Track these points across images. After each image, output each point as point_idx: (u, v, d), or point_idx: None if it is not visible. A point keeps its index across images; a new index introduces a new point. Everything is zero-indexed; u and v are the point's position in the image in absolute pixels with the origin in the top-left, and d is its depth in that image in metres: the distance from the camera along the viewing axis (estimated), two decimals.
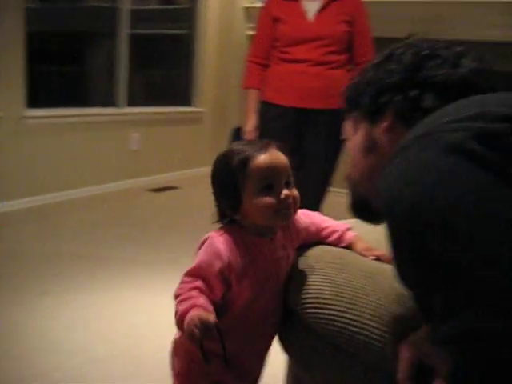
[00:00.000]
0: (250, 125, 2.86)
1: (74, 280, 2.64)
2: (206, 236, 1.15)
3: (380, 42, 3.68)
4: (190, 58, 5.36)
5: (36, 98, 3.99)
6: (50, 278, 2.63)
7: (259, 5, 5.29)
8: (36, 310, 2.30)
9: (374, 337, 1.07)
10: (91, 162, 4.33)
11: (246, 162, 1.11)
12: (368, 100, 0.99)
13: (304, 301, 1.18)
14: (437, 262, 0.66)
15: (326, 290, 1.16)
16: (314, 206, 2.88)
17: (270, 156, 1.12)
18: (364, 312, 1.10)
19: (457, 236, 0.63)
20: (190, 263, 1.11)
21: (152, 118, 4.84)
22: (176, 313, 1.06)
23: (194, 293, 1.07)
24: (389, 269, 1.24)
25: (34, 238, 3.21)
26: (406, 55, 0.94)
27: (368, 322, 1.09)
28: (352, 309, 1.11)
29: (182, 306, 1.04)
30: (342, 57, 2.76)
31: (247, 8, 5.34)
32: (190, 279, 1.09)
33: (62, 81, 4.57)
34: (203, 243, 1.15)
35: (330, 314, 1.13)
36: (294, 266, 1.25)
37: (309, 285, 1.19)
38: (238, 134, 4.90)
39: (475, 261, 0.62)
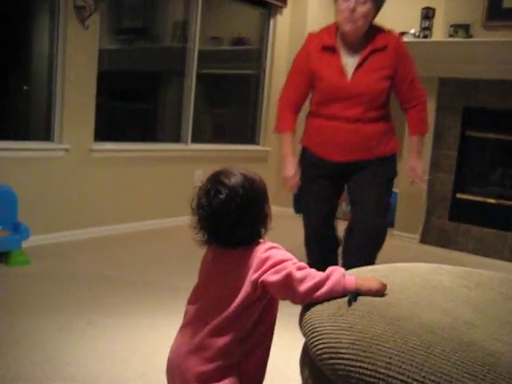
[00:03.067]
0: (290, 169, 2.79)
1: (122, 312, 2.66)
2: (270, 245, 1.29)
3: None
4: (258, 98, 5.44)
5: (107, 132, 4.16)
6: (99, 308, 2.67)
7: None
8: (81, 339, 2.33)
9: None
10: (154, 196, 4.43)
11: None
12: None
13: (321, 351, 1.13)
14: None
15: (344, 339, 1.10)
16: (373, 250, 2.76)
17: None
18: (380, 360, 1.04)
19: None
20: None
21: (216, 155, 4.90)
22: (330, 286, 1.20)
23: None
24: (421, 312, 1.16)
25: (88, 268, 3.29)
26: None
27: (384, 371, 1.02)
28: (368, 357, 1.05)
29: (336, 278, 1.21)
30: (381, 111, 2.68)
31: None
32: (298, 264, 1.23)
33: (133, 117, 4.73)
34: (269, 249, 1.27)
35: (346, 364, 1.07)
36: (313, 313, 1.20)
37: (326, 333, 1.13)
38: None
39: None
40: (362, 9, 2.53)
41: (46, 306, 2.66)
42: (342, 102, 2.64)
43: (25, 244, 3.29)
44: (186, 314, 1.39)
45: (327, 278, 1.20)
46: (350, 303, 1.17)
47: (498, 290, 1.46)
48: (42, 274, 3.12)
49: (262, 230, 1.31)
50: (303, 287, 1.18)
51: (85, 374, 2.05)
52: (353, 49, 2.65)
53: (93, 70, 3.84)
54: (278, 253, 1.25)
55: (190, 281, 1.48)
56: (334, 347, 1.10)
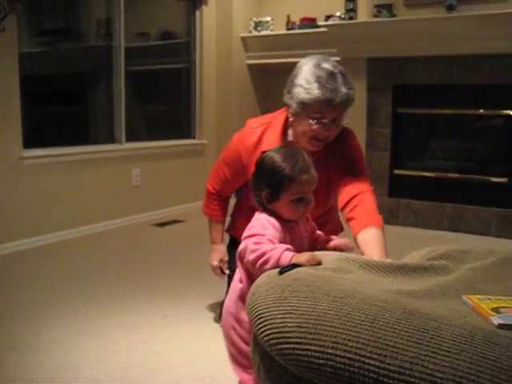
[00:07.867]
0: (214, 259, 2.52)
1: (68, 320, 2.58)
2: (257, 217, 1.58)
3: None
4: (190, 91, 5.38)
5: (37, 138, 4.01)
6: (45, 319, 2.58)
7: (256, 34, 5.34)
8: (27, 353, 2.24)
9: (340, 366, 0.99)
10: (93, 200, 4.31)
11: (293, 179, 1.52)
12: None
13: (268, 337, 1.11)
14: None
15: (289, 323, 1.09)
16: None
17: (309, 177, 1.54)
18: (326, 340, 1.03)
19: None
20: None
21: (152, 153, 4.83)
22: (269, 257, 1.41)
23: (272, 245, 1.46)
24: (365, 289, 1.16)
25: (32, 279, 3.18)
26: None
27: (331, 351, 1.01)
28: (314, 339, 1.04)
29: (277, 251, 1.41)
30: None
31: (244, 38, 5.37)
32: (259, 239, 1.47)
33: (63, 121, 4.58)
34: (258, 220, 1.56)
35: (293, 348, 1.06)
36: (258, 298, 1.18)
37: (272, 318, 1.12)
38: None
39: None
40: (336, 130, 2.00)
41: None
42: None
43: None
44: None
45: (271, 250, 1.42)
46: (281, 273, 1.30)
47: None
48: None
49: (268, 206, 1.56)
50: (251, 256, 1.43)
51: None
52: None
53: (14, 74, 3.68)
54: (259, 225, 1.53)
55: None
56: (280, 332, 1.08)
